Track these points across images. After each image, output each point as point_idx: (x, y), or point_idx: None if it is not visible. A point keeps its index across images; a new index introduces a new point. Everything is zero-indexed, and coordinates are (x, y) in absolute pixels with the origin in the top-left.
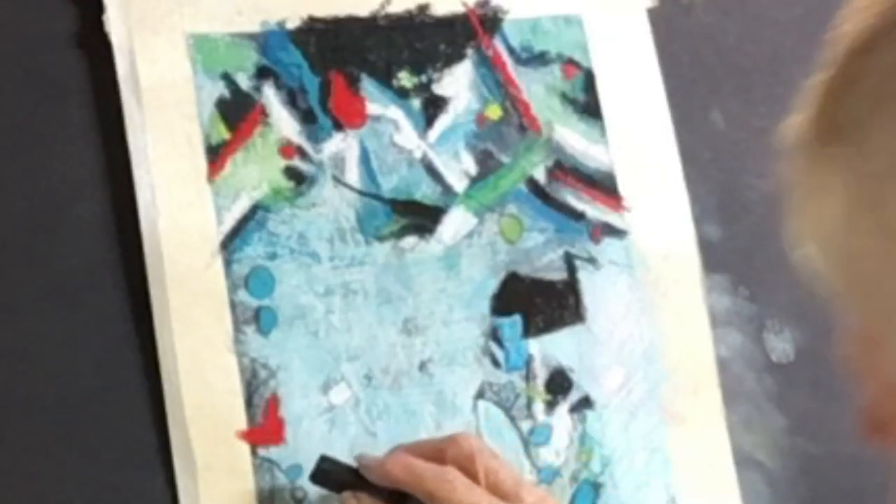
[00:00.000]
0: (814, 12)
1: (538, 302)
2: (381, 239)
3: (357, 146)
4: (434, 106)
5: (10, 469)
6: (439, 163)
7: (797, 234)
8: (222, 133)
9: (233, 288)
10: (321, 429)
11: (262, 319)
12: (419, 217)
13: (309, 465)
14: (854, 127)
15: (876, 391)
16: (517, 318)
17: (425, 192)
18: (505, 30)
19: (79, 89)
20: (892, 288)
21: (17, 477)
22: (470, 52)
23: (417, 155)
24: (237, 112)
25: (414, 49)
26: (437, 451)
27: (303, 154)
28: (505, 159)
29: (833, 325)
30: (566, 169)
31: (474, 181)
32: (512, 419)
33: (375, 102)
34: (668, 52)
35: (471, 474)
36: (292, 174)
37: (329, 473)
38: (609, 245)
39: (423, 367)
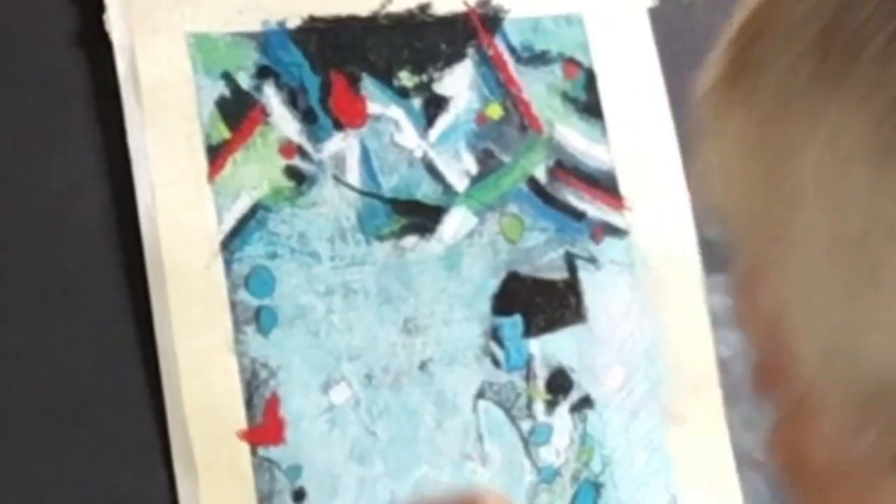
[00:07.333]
0: None
1: (539, 301)
2: (381, 238)
3: (357, 146)
4: (435, 105)
5: (10, 469)
6: (440, 162)
7: (701, 175)
8: (222, 132)
9: (233, 288)
10: (321, 428)
11: (262, 319)
12: (420, 216)
13: (309, 465)
14: (754, 72)
15: (760, 338)
16: (518, 318)
17: (426, 191)
18: (506, 29)
19: (79, 89)
20: (774, 217)
21: (17, 477)
22: (471, 51)
23: (418, 154)
24: (237, 111)
25: (415, 48)
26: None
27: (303, 154)
28: (505, 159)
29: None
30: (567, 168)
31: (475, 180)
32: (512, 419)
33: (376, 102)
34: (669, 51)
35: None
36: (293, 174)
37: None
38: (610, 245)
39: (423, 366)
